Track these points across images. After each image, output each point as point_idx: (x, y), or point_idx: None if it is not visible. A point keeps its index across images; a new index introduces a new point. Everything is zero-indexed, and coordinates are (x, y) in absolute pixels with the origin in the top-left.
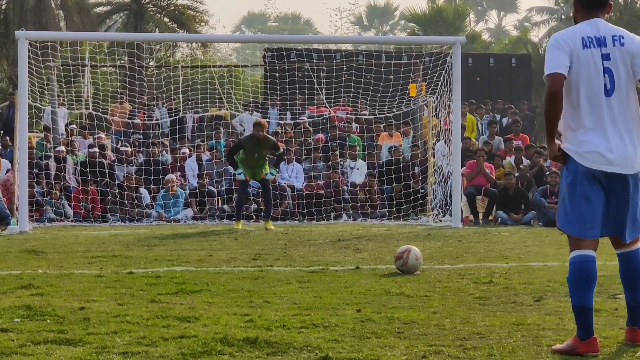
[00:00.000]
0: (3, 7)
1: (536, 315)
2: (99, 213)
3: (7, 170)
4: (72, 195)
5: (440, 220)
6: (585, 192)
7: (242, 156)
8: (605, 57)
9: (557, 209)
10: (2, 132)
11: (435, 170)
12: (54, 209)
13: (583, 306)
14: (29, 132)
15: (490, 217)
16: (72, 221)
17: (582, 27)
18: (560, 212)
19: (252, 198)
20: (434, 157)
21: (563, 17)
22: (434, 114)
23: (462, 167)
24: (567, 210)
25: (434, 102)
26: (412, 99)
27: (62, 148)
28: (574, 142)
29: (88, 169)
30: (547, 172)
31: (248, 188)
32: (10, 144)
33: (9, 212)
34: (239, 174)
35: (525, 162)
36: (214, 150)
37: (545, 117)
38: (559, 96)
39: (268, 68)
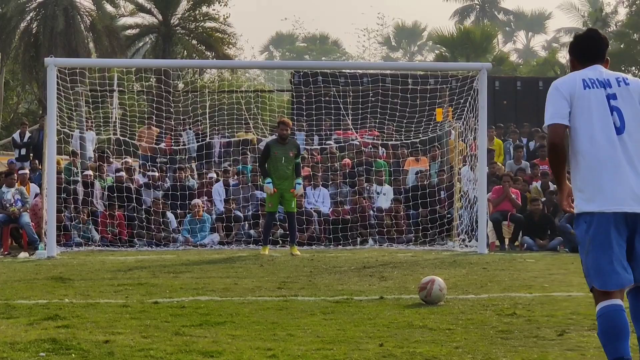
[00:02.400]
0: (34, 30)
1: (558, 351)
2: (126, 237)
3: (36, 195)
4: (99, 220)
5: (467, 246)
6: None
7: (270, 164)
8: (612, 96)
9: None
10: (32, 154)
11: (461, 195)
12: (81, 233)
13: (621, 359)
14: (58, 155)
15: (516, 243)
16: (98, 245)
17: (583, 71)
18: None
19: (278, 223)
20: (460, 182)
21: None
22: (461, 138)
23: (487, 193)
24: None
25: (461, 127)
26: (439, 124)
27: (90, 172)
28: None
29: (115, 194)
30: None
31: (275, 214)
32: (40, 167)
33: (37, 237)
34: (268, 183)
35: (552, 187)
36: (241, 175)
37: (551, 168)
38: (560, 147)
39: (295, 92)
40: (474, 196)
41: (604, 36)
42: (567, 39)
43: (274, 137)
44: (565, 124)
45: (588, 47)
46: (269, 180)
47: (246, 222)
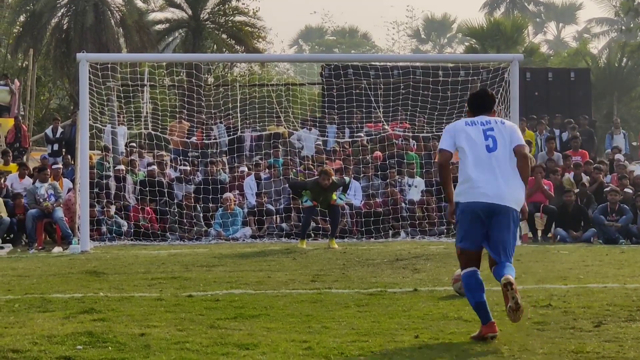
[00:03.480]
0: (64, 26)
1: (595, 342)
2: (158, 231)
3: (69, 190)
4: (131, 214)
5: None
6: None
7: (307, 193)
8: (489, 129)
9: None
10: (64, 150)
11: None
12: (108, 226)
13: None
14: (90, 150)
15: (549, 235)
16: (131, 239)
17: (469, 119)
18: None
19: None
20: None
21: (623, 27)
22: None
23: None
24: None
25: None
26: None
27: (122, 167)
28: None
29: (147, 188)
30: (607, 189)
31: (315, 209)
32: (72, 162)
33: (70, 231)
34: (305, 201)
35: (585, 178)
36: (273, 169)
37: (441, 184)
38: (445, 167)
39: (325, 85)
40: None
41: (491, 94)
42: (599, 29)
43: (314, 180)
44: (451, 151)
45: (477, 103)
46: (305, 198)
47: (278, 215)
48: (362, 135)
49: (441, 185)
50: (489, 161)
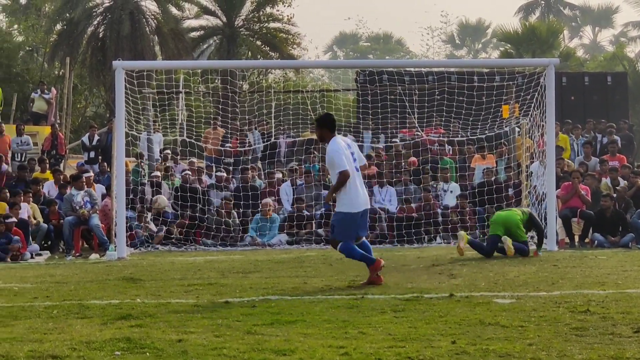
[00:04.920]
0: (100, 35)
1: (635, 348)
2: (193, 238)
3: (103, 196)
4: (168, 221)
5: (535, 243)
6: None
7: None
8: (350, 150)
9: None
10: (100, 157)
11: (529, 192)
12: (144, 233)
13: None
14: (126, 158)
15: (587, 240)
16: (166, 245)
17: (340, 139)
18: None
19: None
20: (528, 179)
21: None
22: (528, 135)
23: (556, 189)
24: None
25: (528, 124)
26: (505, 121)
27: (158, 173)
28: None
29: (182, 194)
30: None
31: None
32: (108, 169)
33: (107, 238)
34: None
35: (622, 183)
36: (308, 175)
37: (336, 187)
38: (348, 180)
39: (360, 91)
40: (543, 193)
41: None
42: (636, 32)
43: None
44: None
45: (334, 123)
46: None
47: (314, 221)
48: (397, 141)
49: (334, 189)
50: (358, 175)
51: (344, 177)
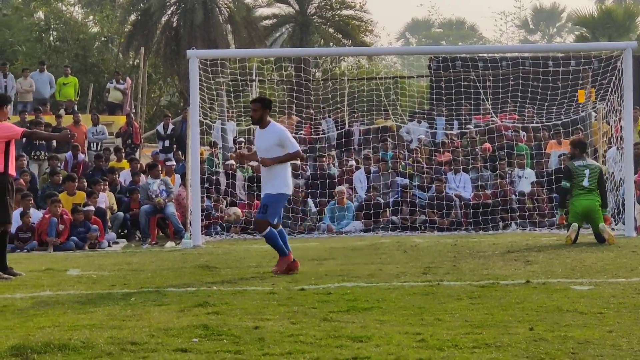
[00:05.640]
0: (174, 24)
1: None
2: None
3: (179, 185)
4: (240, 208)
5: (613, 229)
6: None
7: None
8: None
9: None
10: (175, 146)
11: (606, 177)
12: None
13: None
14: (200, 146)
15: None
16: (240, 234)
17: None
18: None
19: (418, 209)
20: (605, 164)
21: None
22: (605, 120)
23: (635, 174)
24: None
25: (604, 108)
26: (581, 106)
27: (232, 162)
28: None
29: (256, 183)
30: None
31: None
32: (183, 158)
33: (182, 226)
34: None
35: None
36: (382, 162)
37: (284, 159)
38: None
39: (434, 77)
40: (620, 178)
41: None
42: None
43: None
44: None
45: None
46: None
47: (388, 208)
48: (471, 127)
49: (282, 160)
50: None
51: (298, 156)
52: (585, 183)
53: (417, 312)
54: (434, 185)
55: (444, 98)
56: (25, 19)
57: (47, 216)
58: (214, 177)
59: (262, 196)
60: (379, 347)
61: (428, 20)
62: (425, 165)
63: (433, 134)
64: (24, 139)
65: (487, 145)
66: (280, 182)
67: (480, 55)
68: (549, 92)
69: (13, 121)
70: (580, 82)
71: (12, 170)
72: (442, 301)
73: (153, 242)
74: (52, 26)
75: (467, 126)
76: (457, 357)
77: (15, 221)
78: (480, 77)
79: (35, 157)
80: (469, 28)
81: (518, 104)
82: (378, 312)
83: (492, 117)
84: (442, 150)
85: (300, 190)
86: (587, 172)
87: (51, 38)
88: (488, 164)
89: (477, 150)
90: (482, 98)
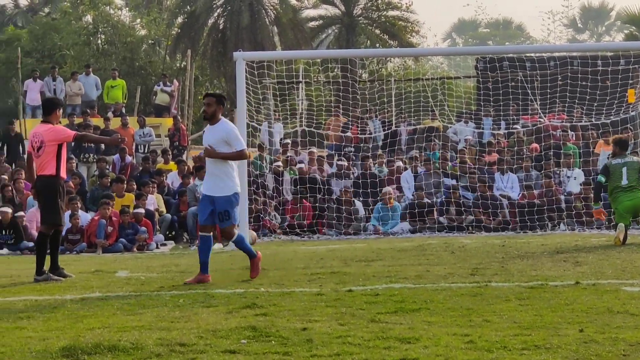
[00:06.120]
0: (221, 26)
1: None
2: (314, 227)
3: None
4: (287, 209)
5: None
6: None
7: None
8: None
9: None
10: None
11: None
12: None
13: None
14: (247, 148)
15: None
16: (286, 234)
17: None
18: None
19: (464, 209)
20: None
21: None
22: None
23: None
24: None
25: None
26: (631, 105)
27: (279, 163)
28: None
29: (302, 185)
30: None
31: None
32: None
33: None
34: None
35: None
36: (429, 163)
37: (230, 157)
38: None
39: (481, 78)
40: None
41: None
42: None
43: None
44: None
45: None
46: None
47: (435, 209)
48: (519, 127)
49: (228, 156)
50: None
51: (243, 155)
52: (624, 182)
53: (465, 313)
54: (477, 185)
55: (491, 98)
56: (73, 22)
57: (96, 218)
58: (261, 180)
59: (212, 200)
60: (427, 348)
61: (475, 21)
62: (472, 166)
63: (480, 134)
64: (75, 142)
65: (535, 145)
66: (232, 182)
67: (527, 55)
68: (598, 92)
69: (62, 124)
70: (630, 81)
71: (63, 173)
72: (490, 302)
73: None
74: (100, 30)
75: (515, 126)
76: (507, 359)
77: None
78: (528, 77)
79: (84, 159)
80: (516, 28)
81: (566, 104)
82: (426, 313)
83: (540, 117)
84: (489, 150)
85: (348, 191)
86: (624, 169)
87: (99, 41)
88: (536, 164)
89: (524, 150)
90: (529, 98)
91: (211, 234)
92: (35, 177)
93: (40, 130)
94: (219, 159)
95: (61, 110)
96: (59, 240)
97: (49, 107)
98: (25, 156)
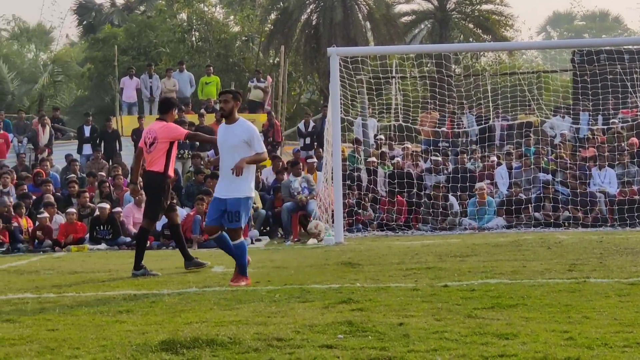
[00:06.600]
0: (314, 22)
1: None
2: (408, 223)
3: (320, 182)
4: (382, 205)
5: None
6: None
7: None
8: None
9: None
10: (315, 143)
11: None
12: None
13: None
14: (342, 143)
15: None
16: (380, 230)
17: None
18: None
19: (561, 206)
20: None
21: None
22: None
23: None
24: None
25: None
26: None
27: (373, 159)
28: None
29: (397, 180)
30: None
31: None
32: (324, 155)
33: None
34: None
35: None
36: (524, 158)
37: (252, 161)
38: None
39: (578, 71)
40: None
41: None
42: None
43: None
44: None
45: None
46: None
47: (530, 204)
48: (617, 121)
49: (252, 160)
50: None
51: (266, 158)
52: None
53: (563, 309)
54: (573, 181)
55: (588, 92)
56: (168, 20)
57: (191, 214)
58: (356, 174)
59: (225, 200)
60: (526, 344)
61: (570, 13)
62: (568, 161)
63: (577, 129)
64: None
65: (634, 140)
66: (247, 185)
67: (625, 47)
68: None
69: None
70: None
71: (171, 171)
72: (589, 299)
73: (295, 239)
74: (194, 27)
75: (613, 121)
76: (608, 356)
77: (162, 219)
78: (626, 70)
79: (180, 155)
80: (613, 20)
81: None
82: (523, 309)
83: (639, 110)
84: (586, 145)
85: (440, 186)
86: None
87: (193, 38)
88: (635, 159)
89: (623, 145)
90: (628, 91)
91: (220, 232)
92: (143, 172)
93: (155, 127)
94: (238, 161)
95: (177, 110)
96: (180, 233)
97: (166, 106)
98: (136, 151)
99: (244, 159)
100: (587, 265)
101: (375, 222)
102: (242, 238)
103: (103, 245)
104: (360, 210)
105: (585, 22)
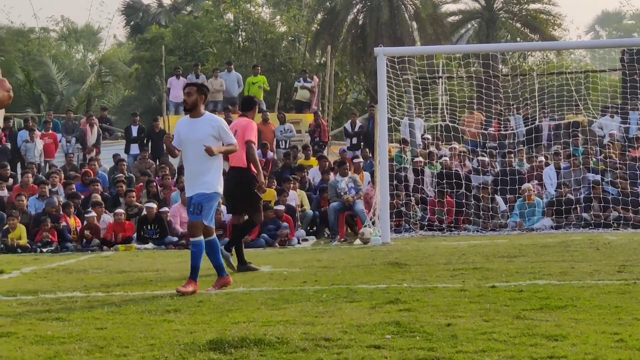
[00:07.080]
0: (360, 22)
1: None
2: (455, 223)
3: (368, 183)
4: (428, 207)
5: None
6: None
7: None
8: None
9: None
10: (362, 143)
11: None
12: (411, 219)
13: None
14: (388, 143)
15: None
16: (429, 230)
17: None
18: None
19: (611, 206)
20: None
21: None
22: None
23: None
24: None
25: None
26: None
27: (420, 159)
28: None
29: (444, 180)
30: None
31: None
32: (370, 155)
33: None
34: None
35: None
36: (573, 158)
37: (224, 151)
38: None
39: (627, 71)
40: None
41: None
42: None
43: None
44: None
45: None
46: None
47: (579, 205)
48: None
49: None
50: None
51: (237, 148)
52: None
53: (613, 311)
54: (618, 182)
55: (638, 91)
56: (215, 20)
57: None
58: (403, 174)
59: (190, 195)
60: (575, 346)
61: (619, 12)
62: (617, 161)
63: (626, 128)
64: None
65: None
66: (215, 179)
67: None
68: None
69: None
70: None
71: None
72: (639, 300)
73: (342, 239)
74: (240, 27)
75: None
76: None
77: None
78: None
79: None
80: None
81: None
82: (572, 310)
83: None
84: (635, 145)
85: (487, 187)
86: None
87: (240, 39)
88: None
89: None
90: None
91: (214, 236)
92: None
93: (239, 123)
94: (206, 156)
95: (257, 108)
96: (245, 232)
97: (248, 104)
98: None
99: (219, 147)
100: (637, 266)
101: (423, 222)
102: (201, 237)
103: (150, 245)
104: (405, 210)
105: (635, 21)
